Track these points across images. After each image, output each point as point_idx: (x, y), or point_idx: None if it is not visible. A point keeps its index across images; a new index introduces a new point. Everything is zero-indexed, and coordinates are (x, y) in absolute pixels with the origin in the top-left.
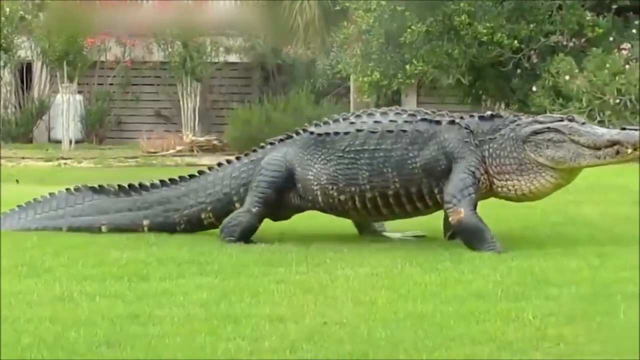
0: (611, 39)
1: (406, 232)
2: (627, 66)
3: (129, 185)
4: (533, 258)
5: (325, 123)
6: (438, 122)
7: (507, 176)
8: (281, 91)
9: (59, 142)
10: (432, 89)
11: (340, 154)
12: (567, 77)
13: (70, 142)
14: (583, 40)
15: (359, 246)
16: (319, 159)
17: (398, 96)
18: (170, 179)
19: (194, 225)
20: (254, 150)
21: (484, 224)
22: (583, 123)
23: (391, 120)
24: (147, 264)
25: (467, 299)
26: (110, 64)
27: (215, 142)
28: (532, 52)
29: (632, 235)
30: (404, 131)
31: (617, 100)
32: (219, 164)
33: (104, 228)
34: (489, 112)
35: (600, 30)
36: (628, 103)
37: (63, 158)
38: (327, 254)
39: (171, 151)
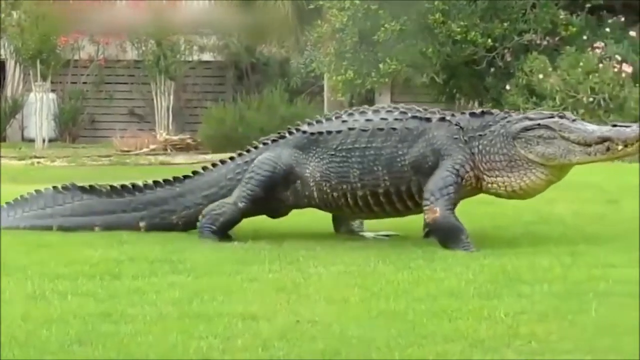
0: (585, 37)
1: (379, 231)
2: (600, 65)
3: (122, 186)
4: (505, 256)
5: (318, 122)
6: (428, 120)
7: (497, 172)
8: (255, 90)
9: (32, 140)
10: (406, 87)
11: (333, 152)
12: (540, 76)
13: (44, 140)
14: (557, 38)
15: (332, 244)
16: (313, 157)
17: (372, 95)
18: (164, 180)
19: (190, 227)
20: (248, 151)
21: (459, 224)
22: (574, 120)
23: (382, 118)
24: (119, 262)
25: (440, 296)
26: (83, 62)
27: (189, 140)
28: (505, 50)
29: (604, 233)
30: (394, 129)
31: (591, 99)
32: (214, 164)
33: (97, 229)
34: (479, 109)
35: (574, 29)
36: (601, 101)
37: (36, 157)
38: (300, 252)
39: (145, 150)
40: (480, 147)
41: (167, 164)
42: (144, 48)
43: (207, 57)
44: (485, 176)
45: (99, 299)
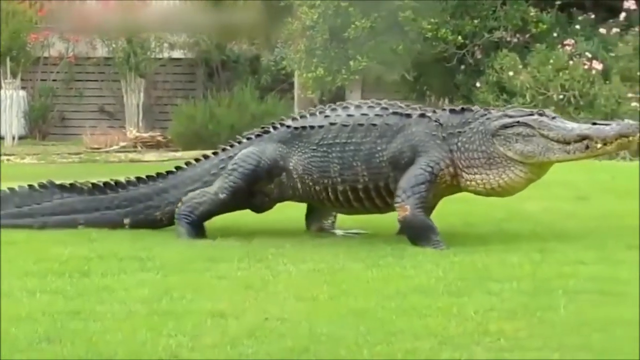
0: (555, 34)
1: (349, 229)
2: (570, 62)
3: (105, 183)
4: (475, 253)
5: (302, 117)
6: (409, 116)
7: (475, 170)
8: (225, 87)
9: (1, 138)
10: (376, 84)
11: (315, 147)
12: (511, 73)
13: (14, 138)
14: (527, 36)
15: (302, 242)
16: (296, 151)
17: (342, 92)
18: (147, 176)
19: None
20: (231, 146)
21: (430, 223)
22: (553, 117)
23: (363, 114)
24: (88, 259)
25: (409, 294)
26: (53, 59)
27: (159, 138)
28: (476, 47)
29: (573, 230)
30: (374, 125)
31: (561, 96)
32: (197, 160)
33: (80, 227)
34: (460, 106)
35: (544, 26)
36: (572, 99)
37: (6, 154)
38: (269, 250)
39: (115, 147)
40: (459, 144)
41: (137, 161)
42: (114, 45)
43: (177, 54)
44: (463, 173)
45: (68, 296)
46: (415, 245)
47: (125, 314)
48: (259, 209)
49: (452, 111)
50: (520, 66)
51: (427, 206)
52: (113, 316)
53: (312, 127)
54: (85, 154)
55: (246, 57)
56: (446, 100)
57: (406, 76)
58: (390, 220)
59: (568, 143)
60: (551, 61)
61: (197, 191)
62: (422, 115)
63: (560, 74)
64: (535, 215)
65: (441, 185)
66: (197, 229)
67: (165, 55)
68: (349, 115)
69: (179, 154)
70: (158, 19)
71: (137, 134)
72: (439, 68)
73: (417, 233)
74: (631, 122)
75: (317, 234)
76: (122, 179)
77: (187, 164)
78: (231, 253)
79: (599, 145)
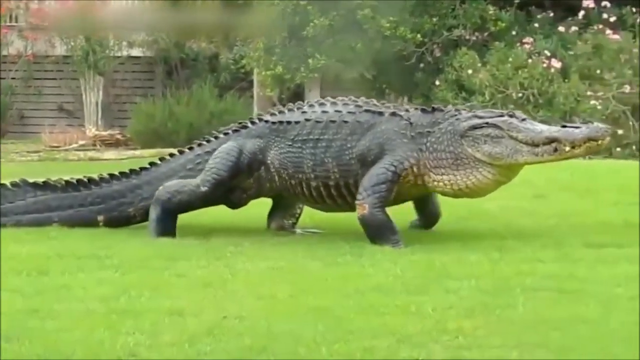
0: (514, 33)
1: (308, 228)
2: (529, 60)
3: (78, 180)
4: (434, 252)
5: (281, 112)
6: (381, 114)
7: (443, 170)
8: (184, 85)
9: None
10: (335, 82)
11: (290, 143)
12: (470, 71)
13: None
14: (486, 34)
15: (261, 240)
16: (274, 146)
17: (302, 90)
18: (120, 172)
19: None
20: (208, 141)
21: (388, 222)
22: (523, 119)
23: (337, 111)
24: (47, 258)
25: (368, 292)
26: (12, 58)
27: (118, 136)
28: (435, 46)
29: (532, 228)
30: (346, 122)
31: (520, 94)
32: (171, 155)
33: (55, 225)
34: (431, 105)
35: (503, 25)
36: (531, 97)
37: None
38: (228, 248)
39: (74, 145)
40: (428, 144)
41: (96, 159)
42: (72, 43)
43: (136, 52)
44: (431, 174)
45: (26, 295)
46: (374, 244)
47: (84, 313)
48: (235, 205)
49: (423, 111)
50: (479, 64)
51: (387, 204)
52: (71, 315)
53: (288, 123)
54: (44, 153)
55: (205, 55)
56: (405, 99)
57: (365, 74)
58: (349, 219)
59: (537, 145)
60: (510, 59)
61: (180, 180)
62: (394, 114)
63: (519, 72)
64: (493, 214)
65: (405, 184)
66: (169, 219)
67: (124, 53)
68: (323, 112)
69: (138, 152)
70: (117, 18)
71: (96, 132)
72: (398, 66)
73: (376, 232)
74: (600, 125)
75: (277, 232)
76: (95, 176)
77: (161, 159)
78: (190, 251)
79: (567, 149)
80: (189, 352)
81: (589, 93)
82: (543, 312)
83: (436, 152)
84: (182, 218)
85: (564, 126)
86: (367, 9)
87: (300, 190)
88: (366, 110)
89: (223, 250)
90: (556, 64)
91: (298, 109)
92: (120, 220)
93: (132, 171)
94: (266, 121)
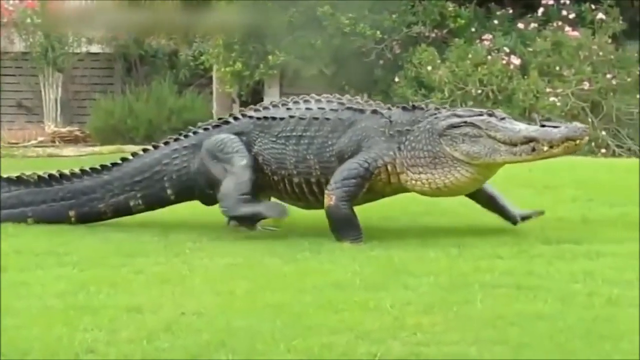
0: (473, 29)
1: (267, 224)
2: (489, 57)
3: (50, 175)
4: (392, 248)
5: (265, 108)
6: (362, 111)
7: (420, 169)
8: (144, 82)
9: None
10: (294, 79)
11: (274, 139)
12: (429, 68)
13: None
14: (445, 31)
15: (219, 237)
16: (257, 142)
17: (261, 87)
18: (91, 168)
19: (121, 214)
20: (185, 136)
21: (352, 218)
22: (502, 118)
23: (319, 108)
24: (4, 255)
25: (326, 288)
26: None
27: (77, 132)
28: (394, 42)
29: (490, 225)
30: (328, 119)
31: (479, 91)
32: (144, 150)
33: (30, 220)
34: (411, 104)
35: (462, 21)
36: (490, 94)
37: None
38: (187, 245)
39: (33, 142)
40: (407, 142)
41: (56, 156)
42: (31, 40)
43: (95, 49)
44: (409, 172)
45: None
46: (335, 239)
47: (42, 309)
48: (211, 202)
49: (404, 109)
50: (439, 61)
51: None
52: (29, 311)
53: (273, 119)
54: (2, 149)
55: (164, 52)
56: (365, 96)
57: (324, 71)
58: (308, 216)
59: (515, 145)
60: (469, 56)
61: (220, 191)
62: (375, 112)
63: (479, 69)
64: (452, 210)
65: (377, 182)
66: (249, 199)
67: (83, 49)
68: (307, 109)
69: (97, 149)
70: (76, 15)
71: (55, 129)
72: (357, 63)
73: (338, 225)
74: (579, 125)
75: (235, 228)
76: (67, 171)
77: (134, 154)
78: (148, 248)
79: (545, 148)
80: (147, 348)
81: (548, 90)
82: (501, 309)
83: (414, 150)
84: (141, 215)
85: (543, 125)
86: (327, 6)
87: (282, 186)
88: (348, 108)
89: (181, 246)
90: (515, 60)
91: (283, 105)
92: (90, 216)
93: (103, 166)
94: (250, 117)
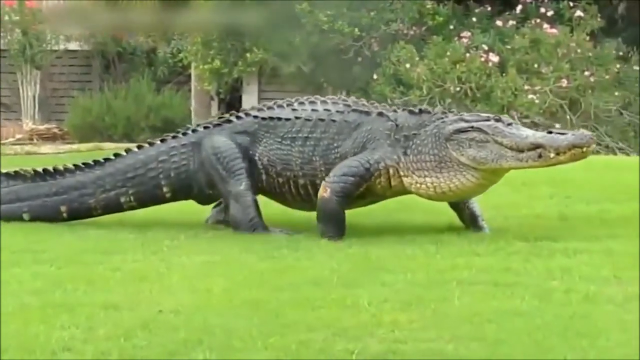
0: (451, 27)
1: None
2: (467, 54)
3: (44, 170)
4: (369, 245)
5: (270, 108)
6: (368, 114)
7: (426, 173)
8: (122, 79)
9: None
10: (273, 76)
11: (279, 140)
12: (407, 65)
13: None
14: (423, 28)
15: (196, 234)
16: (262, 142)
17: (239, 84)
18: (84, 163)
19: (111, 210)
20: (184, 134)
21: (340, 215)
22: (509, 124)
23: (326, 109)
24: None
25: (303, 285)
26: None
27: (55, 130)
28: (372, 40)
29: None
30: (334, 121)
31: (458, 89)
32: (139, 147)
33: (25, 216)
34: (418, 107)
35: (441, 19)
36: (468, 91)
37: None
38: (164, 242)
39: (10, 140)
40: (413, 146)
41: (34, 153)
42: (9, 37)
43: (73, 46)
44: (414, 176)
45: None
46: (319, 228)
47: (18, 307)
48: (207, 201)
49: (410, 112)
50: (417, 59)
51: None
52: (6, 309)
53: (279, 119)
54: None
55: (143, 49)
56: (343, 93)
57: (303, 68)
58: (285, 213)
59: (521, 151)
60: (448, 54)
61: (230, 209)
62: (381, 114)
63: (457, 66)
64: (429, 207)
65: (377, 185)
66: (259, 223)
67: (62, 47)
68: (313, 110)
69: (75, 146)
70: (54, 13)
71: (33, 127)
72: (335, 60)
73: (325, 218)
74: (585, 132)
75: (213, 226)
76: (62, 166)
77: (127, 150)
78: (126, 245)
79: (552, 155)
80: (125, 346)
81: (526, 87)
82: (478, 306)
83: (421, 154)
84: (118, 213)
85: (550, 132)
86: (305, 3)
87: (287, 188)
88: (354, 110)
89: (159, 244)
90: (494, 58)
91: (288, 105)
92: (81, 212)
93: (96, 162)
94: (255, 116)
